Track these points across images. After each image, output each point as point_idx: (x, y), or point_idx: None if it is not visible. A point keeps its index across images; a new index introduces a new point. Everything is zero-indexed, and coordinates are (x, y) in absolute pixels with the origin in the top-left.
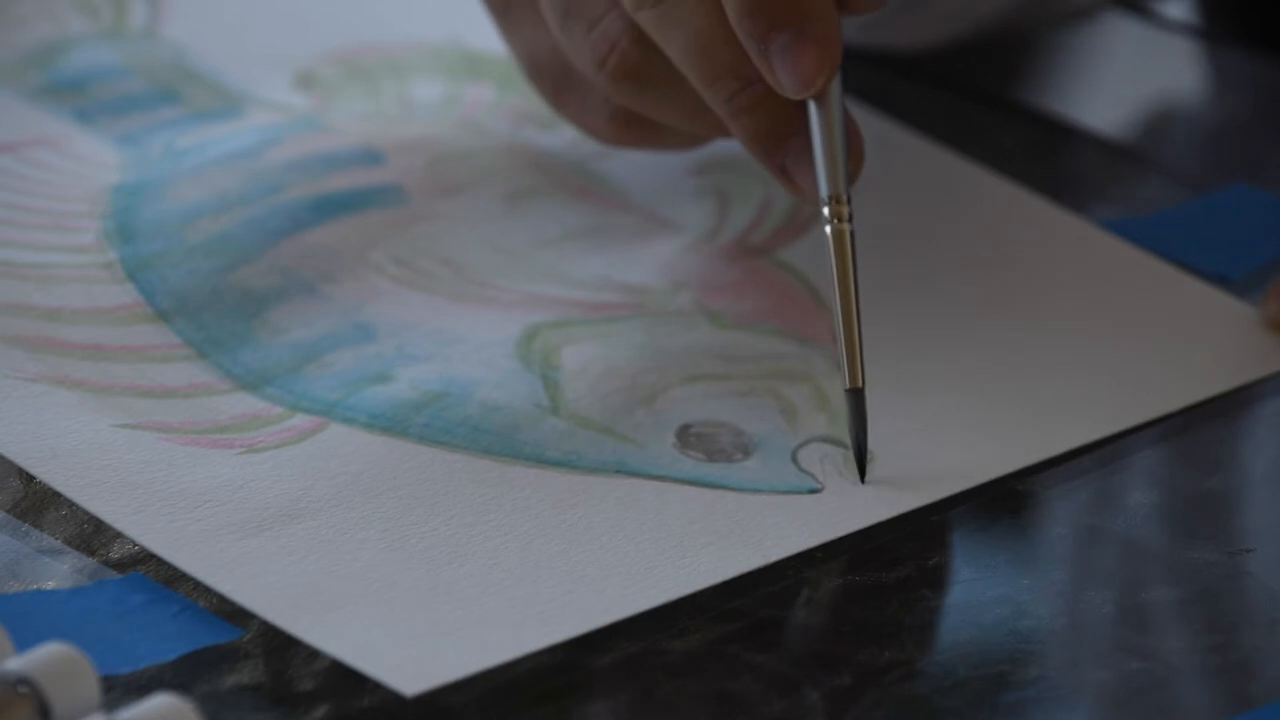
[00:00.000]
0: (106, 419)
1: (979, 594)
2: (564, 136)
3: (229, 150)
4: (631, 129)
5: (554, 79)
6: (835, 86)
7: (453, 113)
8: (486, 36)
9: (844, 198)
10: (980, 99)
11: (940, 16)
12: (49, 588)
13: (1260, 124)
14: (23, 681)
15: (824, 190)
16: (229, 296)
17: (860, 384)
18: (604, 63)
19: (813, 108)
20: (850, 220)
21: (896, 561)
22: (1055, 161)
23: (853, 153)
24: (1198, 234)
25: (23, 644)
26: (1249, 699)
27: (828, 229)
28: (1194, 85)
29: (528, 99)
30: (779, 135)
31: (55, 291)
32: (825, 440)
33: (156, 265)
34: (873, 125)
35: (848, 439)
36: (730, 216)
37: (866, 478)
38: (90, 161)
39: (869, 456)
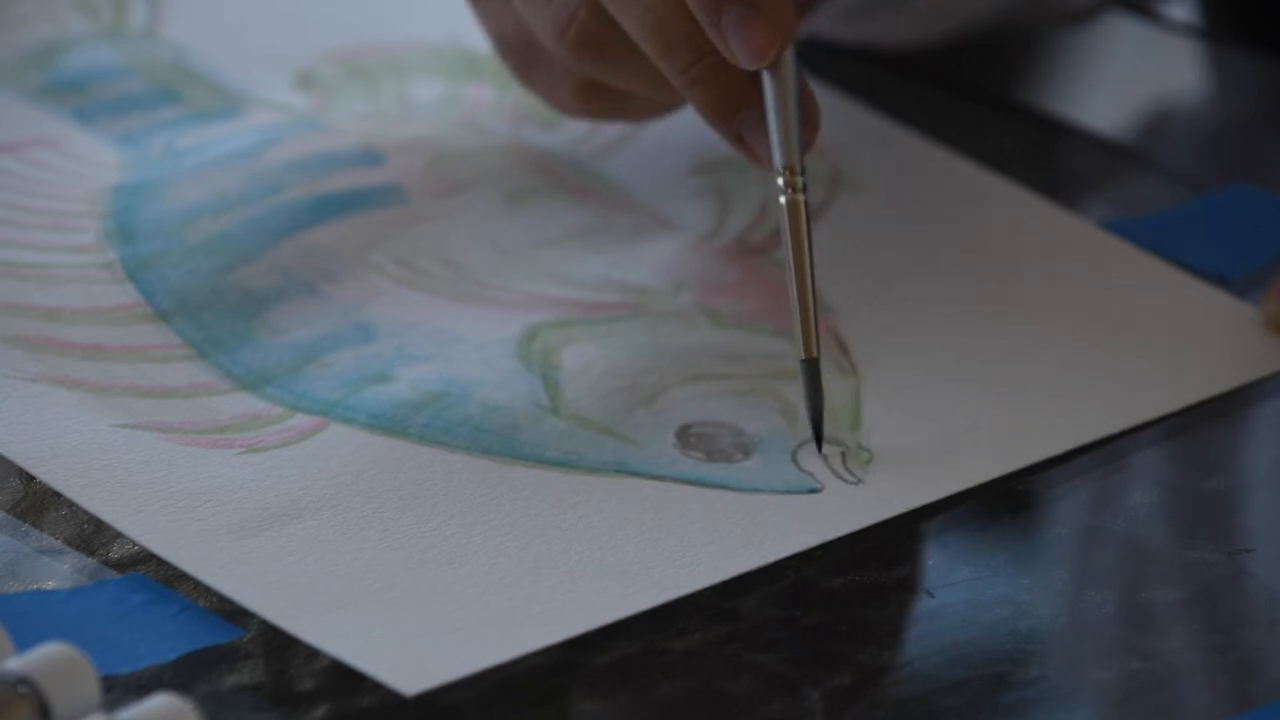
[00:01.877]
0: (106, 419)
1: (979, 594)
2: (564, 136)
3: (229, 150)
4: (596, 101)
5: (520, 54)
6: (789, 57)
7: (453, 113)
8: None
9: (798, 168)
10: (980, 99)
11: (929, 15)
12: (49, 588)
13: (1261, 124)
14: (23, 681)
15: (778, 161)
16: (229, 296)
17: (815, 354)
18: (564, 33)
19: (766, 79)
20: (804, 190)
21: (896, 561)
22: (1055, 161)
23: (807, 122)
24: (1198, 234)
25: (23, 644)
26: (1249, 699)
27: (782, 199)
28: (1195, 85)
29: (528, 99)
30: (734, 105)
31: (55, 291)
32: (826, 440)
33: (156, 265)
34: (873, 125)
35: (847, 439)
36: (730, 216)
37: (866, 477)
38: (90, 161)
39: (869, 457)
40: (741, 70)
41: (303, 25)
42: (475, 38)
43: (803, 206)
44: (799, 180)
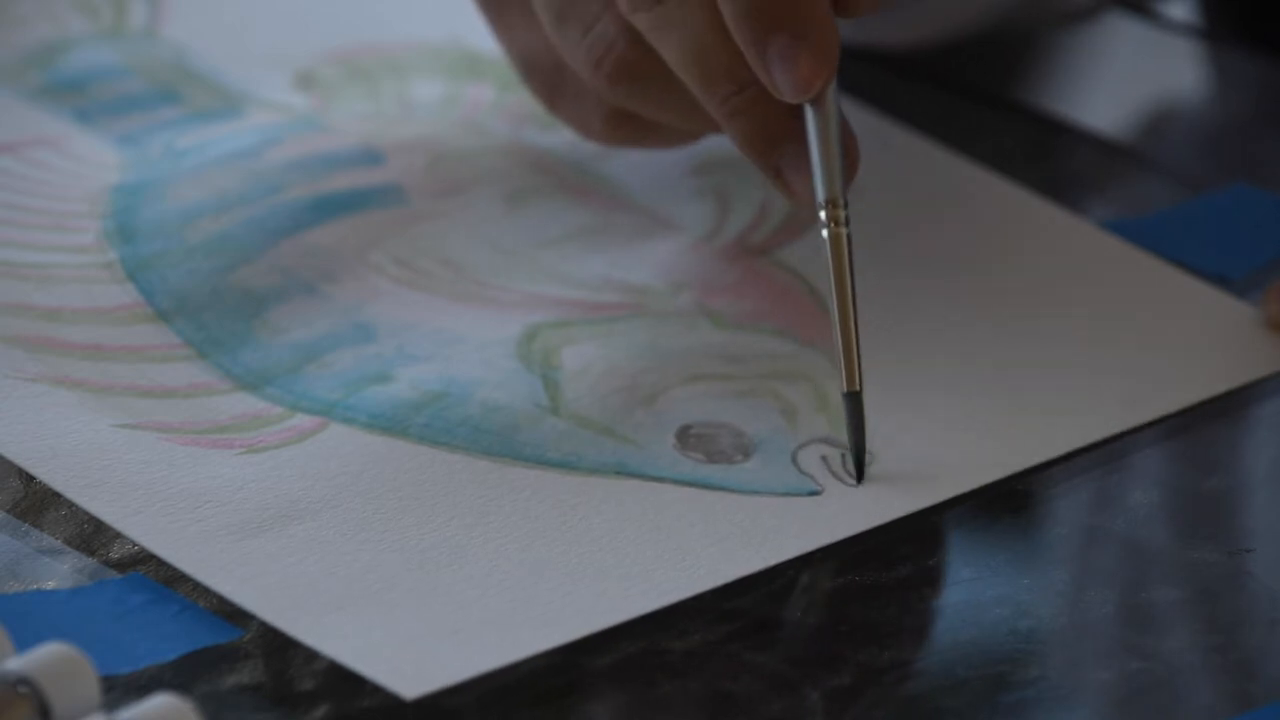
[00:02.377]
0: (106, 419)
1: (979, 594)
2: (564, 136)
3: (229, 150)
4: (626, 128)
5: (547, 79)
6: (831, 90)
7: (453, 113)
8: (486, 36)
9: (840, 201)
10: (980, 99)
11: (929, 16)
12: (49, 588)
13: (1260, 124)
14: (23, 681)
15: (821, 194)
16: (229, 296)
17: (858, 387)
18: (600, 65)
19: (809, 111)
20: (847, 224)
21: (896, 561)
22: (1055, 161)
23: (848, 157)
24: (1198, 234)
25: (23, 644)
26: (1249, 699)
27: (824, 232)
28: (1194, 85)
29: (527, 99)
30: (774, 139)
31: (55, 291)
32: (825, 441)
33: (156, 265)
34: (872, 125)
35: (847, 440)
36: (730, 216)
37: (866, 478)
38: (90, 161)
39: (869, 457)
40: (783, 103)
41: (303, 25)
42: (475, 38)
43: (845, 240)
44: (841, 214)
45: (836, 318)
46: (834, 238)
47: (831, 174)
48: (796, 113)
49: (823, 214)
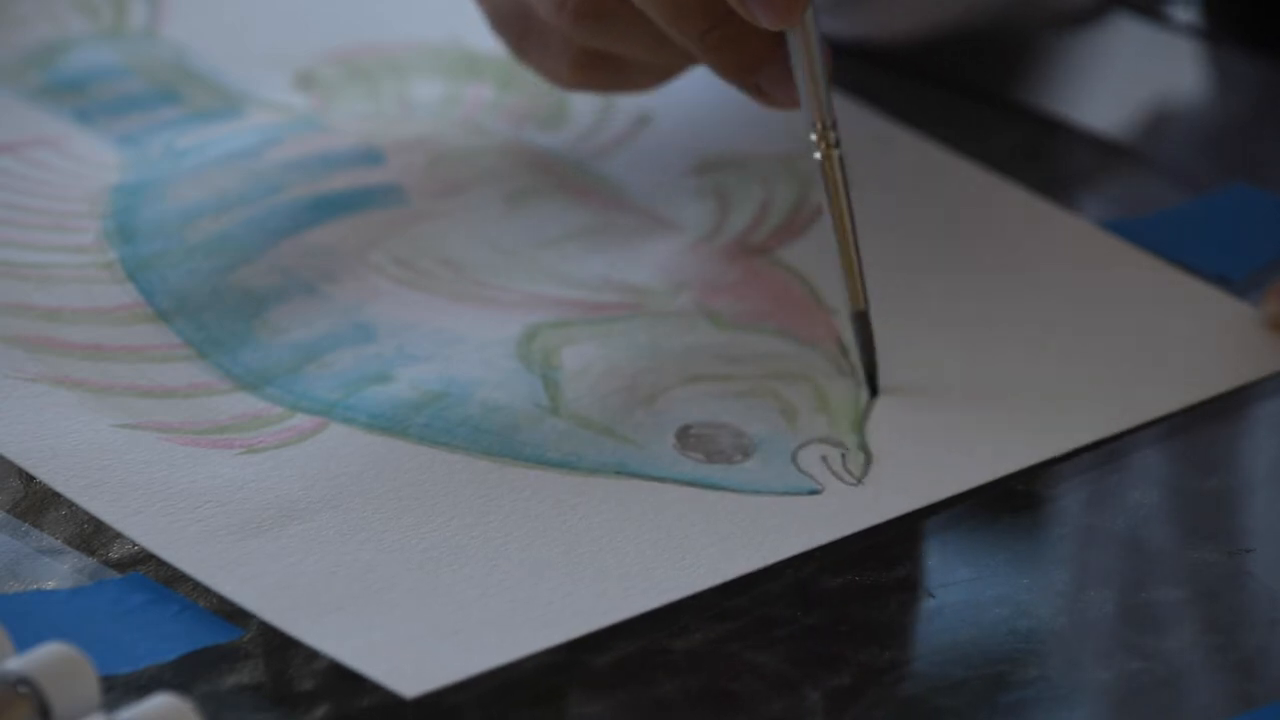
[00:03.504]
0: (106, 419)
1: (979, 594)
2: (564, 136)
3: (229, 150)
4: (594, 71)
5: (516, 27)
6: (809, 13)
7: (453, 113)
8: (486, 36)
9: (829, 122)
10: (979, 98)
11: (922, 8)
12: (49, 588)
13: (1261, 124)
14: (23, 681)
15: (808, 119)
16: (229, 296)
17: (864, 305)
18: (564, 4)
19: (791, 38)
20: (838, 145)
21: (896, 561)
22: (1055, 161)
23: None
24: (1198, 234)
25: (23, 644)
26: (1249, 699)
27: (817, 155)
28: (1195, 86)
29: (528, 99)
30: (754, 65)
31: (55, 291)
32: (825, 441)
33: (156, 265)
34: (872, 125)
35: (847, 440)
36: (730, 216)
37: (866, 479)
38: (90, 161)
39: (870, 458)
40: (760, 30)
41: (303, 25)
42: (475, 37)
43: (838, 161)
44: (832, 135)
45: (837, 239)
46: (827, 159)
47: (817, 98)
48: (775, 36)
49: (813, 137)
